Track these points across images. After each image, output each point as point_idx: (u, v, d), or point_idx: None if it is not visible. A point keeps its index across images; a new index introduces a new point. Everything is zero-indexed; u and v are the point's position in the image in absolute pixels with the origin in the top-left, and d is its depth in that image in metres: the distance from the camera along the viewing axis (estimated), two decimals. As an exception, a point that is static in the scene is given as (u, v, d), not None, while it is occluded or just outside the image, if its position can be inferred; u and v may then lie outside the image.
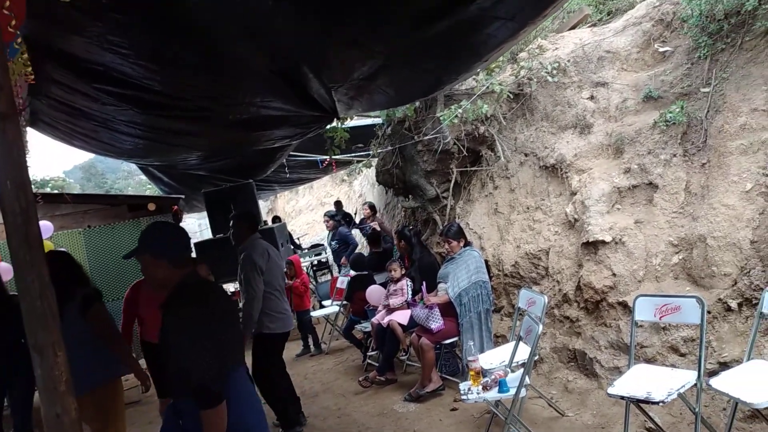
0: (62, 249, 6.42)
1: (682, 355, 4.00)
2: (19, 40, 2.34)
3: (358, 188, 16.88)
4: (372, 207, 8.75)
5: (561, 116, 5.93)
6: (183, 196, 9.96)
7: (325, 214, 10.35)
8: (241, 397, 2.39)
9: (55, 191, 16.24)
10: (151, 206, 9.40)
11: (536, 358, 4.24)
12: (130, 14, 2.77)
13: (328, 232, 10.52)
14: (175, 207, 9.81)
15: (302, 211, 21.36)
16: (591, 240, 4.83)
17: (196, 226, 18.64)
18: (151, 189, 24.09)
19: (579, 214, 5.12)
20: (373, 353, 6.19)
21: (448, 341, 5.13)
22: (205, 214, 13.98)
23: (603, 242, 4.77)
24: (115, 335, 3.68)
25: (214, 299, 2.44)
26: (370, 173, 13.32)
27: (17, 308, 1.80)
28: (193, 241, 4.66)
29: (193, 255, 2.61)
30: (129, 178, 44.27)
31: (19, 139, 1.89)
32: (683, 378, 3.19)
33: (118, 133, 5.20)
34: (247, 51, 3.34)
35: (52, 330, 1.80)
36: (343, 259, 9.17)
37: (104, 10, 2.68)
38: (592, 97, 5.81)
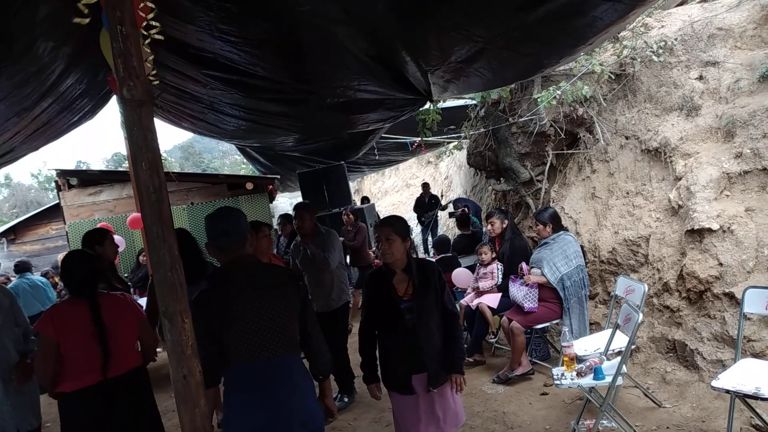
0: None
1: (796, 351, 3.78)
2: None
3: (444, 170, 16.85)
4: (353, 212, 8.47)
5: (666, 97, 5.66)
6: (278, 176, 10.38)
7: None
8: (235, 396, 2.37)
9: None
10: (249, 185, 9.89)
11: (633, 347, 4.12)
12: (240, 3, 2.93)
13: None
14: (271, 186, 10.26)
15: (388, 192, 21.61)
16: (696, 227, 4.62)
17: (288, 204, 19.31)
18: (245, 168, 25.17)
19: (683, 201, 4.89)
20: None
21: (539, 326, 5.09)
22: (296, 193, 14.51)
23: (709, 230, 4.54)
24: None
25: (224, 289, 2.43)
26: (458, 155, 13.26)
27: None
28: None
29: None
30: (224, 158, 46.41)
31: (152, 124, 2.05)
32: (797, 375, 3.03)
33: (223, 115, 5.51)
34: (346, 36, 3.43)
35: (181, 299, 1.98)
36: None
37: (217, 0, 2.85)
38: (700, 77, 5.50)
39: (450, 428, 3.01)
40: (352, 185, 21.84)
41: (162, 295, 1.93)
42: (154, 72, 2.84)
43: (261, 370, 2.41)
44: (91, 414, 2.92)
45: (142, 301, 5.62)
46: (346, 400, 5.05)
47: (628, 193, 5.66)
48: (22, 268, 7.23)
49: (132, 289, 7.22)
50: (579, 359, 3.89)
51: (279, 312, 2.46)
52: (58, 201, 10.10)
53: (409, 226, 3.29)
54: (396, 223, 3.00)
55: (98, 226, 8.38)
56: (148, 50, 2.55)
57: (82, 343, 2.90)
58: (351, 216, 8.11)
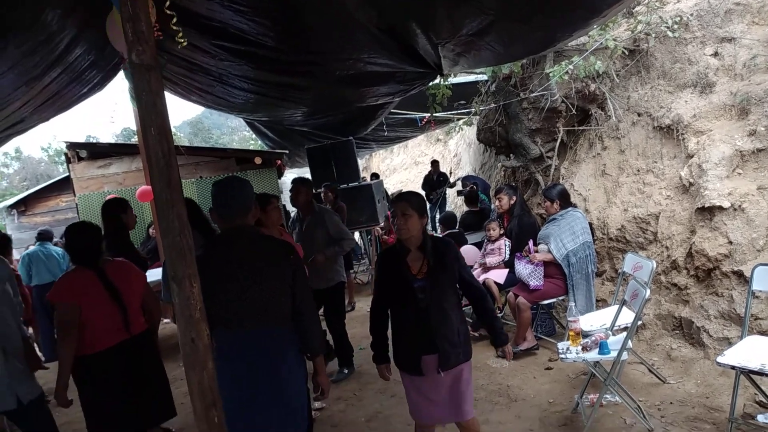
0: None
1: (803, 330, 3.77)
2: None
3: (453, 148, 16.77)
4: (333, 190, 8.25)
5: (680, 74, 5.57)
6: (287, 152, 10.37)
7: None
8: (221, 360, 2.36)
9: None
10: (258, 160, 9.89)
11: (639, 323, 4.12)
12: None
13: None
14: (279, 161, 10.26)
15: (396, 170, 21.55)
16: (707, 205, 4.59)
17: (296, 181, 19.28)
18: (254, 144, 25.14)
19: (695, 178, 4.85)
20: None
21: (545, 302, 5.11)
22: (305, 169, 14.49)
23: (720, 208, 4.51)
24: None
25: (219, 256, 2.49)
26: (467, 133, 13.18)
27: None
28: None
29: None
30: (233, 134, 46.37)
31: (161, 89, 2.05)
32: (804, 352, 3.03)
33: (232, 88, 5.48)
34: (356, 7, 3.39)
35: (190, 263, 1.99)
36: None
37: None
38: (716, 54, 5.41)
39: (456, 416, 2.94)
40: (361, 162, 21.81)
41: (171, 260, 1.95)
42: (180, 35, 2.81)
43: (243, 338, 2.46)
44: (115, 372, 3.09)
45: (153, 272, 5.69)
46: (345, 371, 5.14)
47: (638, 170, 5.61)
48: (42, 236, 7.34)
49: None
50: (585, 334, 3.91)
51: (267, 284, 2.49)
52: (68, 174, 10.15)
53: (426, 203, 3.24)
54: (413, 198, 2.92)
55: (107, 198, 8.44)
56: (171, 12, 2.53)
57: (101, 305, 3.05)
58: (330, 194, 7.76)
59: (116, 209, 4.39)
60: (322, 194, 7.87)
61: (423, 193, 12.66)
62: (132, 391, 3.15)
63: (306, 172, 11.98)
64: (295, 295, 2.56)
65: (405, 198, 2.89)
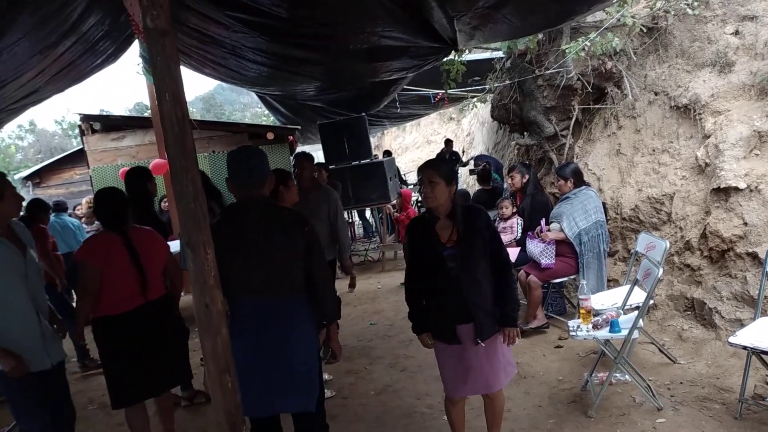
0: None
1: (817, 312, 3.73)
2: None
3: (466, 126, 16.64)
4: (326, 169, 7.99)
5: (699, 53, 5.47)
6: (299, 127, 10.34)
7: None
8: (236, 331, 2.38)
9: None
10: (270, 135, 9.88)
11: (651, 303, 4.10)
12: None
13: None
14: (291, 137, 10.23)
15: (408, 149, 21.46)
16: (723, 186, 4.53)
17: (308, 158, 19.25)
18: (266, 120, 25.09)
19: (711, 159, 4.78)
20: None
21: (556, 281, 5.10)
22: (317, 146, 14.47)
23: (736, 189, 4.45)
24: None
25: (233, 225, 2.51)
26: (481, 111, 13.05)
27: None
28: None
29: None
30: (245, 110, 46.30)
31: (175, 54, 2.03)
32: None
33: (245, 61, 5.45)
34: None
35: (204, 229, 1.99)
36: None
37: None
38: (736, 33, 5.29)
39: (500, 381, 2.88)
40: (373, 141, 21.71)
41: (185, 226, 1.95)
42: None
43: (254, 306, 2.48)
44: (133, 335, 3.20)
45: (171, 244, 5.72)
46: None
47: (654, 150, 5.54)
48: (58, 207, 7.40)
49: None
50: (596, 313, 3.89)
51: (281, 254, 2.52)
52: (81, 146, 10.20)
53: (456, 171, 3.16)
54: (440, 165, 2.83)
55: (121, 171, 8.48)
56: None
57: (123, 269, 3.15)
58: (324, 172, 7.45)
59: (142, 177, 4.41)
60: (315, 173, 7.79)
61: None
62: (149, 355, 3.25)
63: (318, 149, 11.96)
64: (309, 266, 2.57)
65: (431, 165, 2.81)
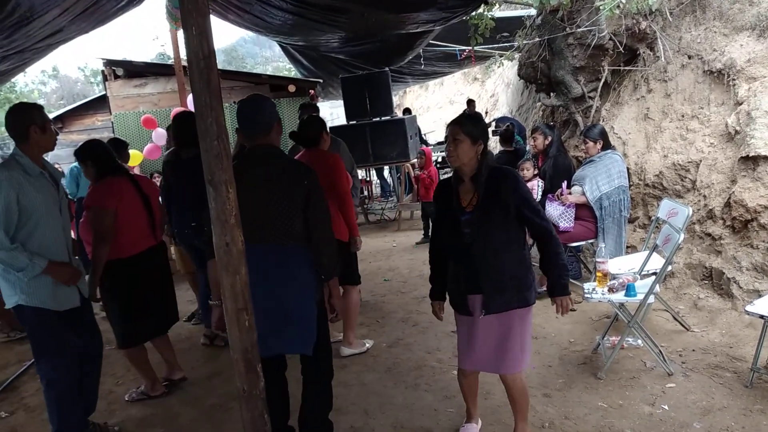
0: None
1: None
2: None
3: (491, 88, 16.37)
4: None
5: (738, 15, 5.25)
6: (320, 80, 10.23)
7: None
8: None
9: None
10: (291, 88, 9.80)
11: (668, 270, 4.05)
12: None
13: None
14: (312, 91, 10.14)
15: (431, 108, 21.20)
16: (751, 154, 4.41)
17: (328, 114, 19.16)
18: (287, 74, 24.90)
19: (742, 126, 4.65)
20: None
21: (573, 244, 5.06)
22: (337, 102, 14.34)
23: (765, 158, 4.34)
24: None
25: (242, 170, 2.44)
26: (506, 72, 12.80)
27: None
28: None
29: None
30: (267, 64, 45.86)
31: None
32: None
33: (270, 7, 5.38)
34: None
35: (227, 169, 1.99)
36: None
37: None
38: (781, -6, 5.07)
39: (508, 365, 2.67)
40: (395, 99, 21.50)
41: (208, 164, 1.95)
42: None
43: (257, 252, 2.46)
44: (145, 276, 3.37)
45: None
46: None
47: (683, 115, 5.40)
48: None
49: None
50: (612, 277, 3.87)
51: (280, 203, 2.53)
52: (104, 93, 10.21)
53: (487, 128, 3.01)
54: (467, 121, 2.58)
55: (143, 118, 8.50)
56: None
57: (135, 211, 3.29)
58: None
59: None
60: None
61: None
62: (157, 295, 3.45)
63: (339, 105, 11.85)
64: (309, 215, 2.57)
65: (457, 121, 2.60)
